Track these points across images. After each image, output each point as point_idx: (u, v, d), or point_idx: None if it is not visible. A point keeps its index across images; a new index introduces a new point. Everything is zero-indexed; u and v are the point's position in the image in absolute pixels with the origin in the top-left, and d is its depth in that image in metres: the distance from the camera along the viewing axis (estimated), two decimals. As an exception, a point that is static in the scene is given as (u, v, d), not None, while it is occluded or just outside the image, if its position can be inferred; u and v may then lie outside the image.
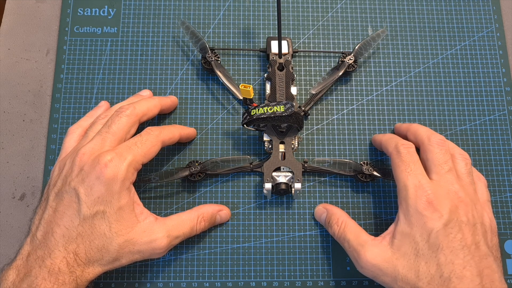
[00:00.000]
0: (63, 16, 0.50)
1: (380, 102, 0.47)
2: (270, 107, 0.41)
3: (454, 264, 0.33)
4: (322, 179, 0.45)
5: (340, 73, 0.46)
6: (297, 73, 0.48)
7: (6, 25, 0.49)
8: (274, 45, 0.46)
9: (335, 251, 0.43)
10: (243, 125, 0.43)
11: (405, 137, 0.42)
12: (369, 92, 0.48)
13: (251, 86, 0.40)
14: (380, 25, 0.50)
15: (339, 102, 0.47)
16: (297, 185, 0.41)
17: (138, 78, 0.48)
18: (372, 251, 0.36)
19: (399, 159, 0.38)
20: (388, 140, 0.41)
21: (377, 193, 0.44)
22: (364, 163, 0.43)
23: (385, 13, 0.50)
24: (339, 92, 0.48)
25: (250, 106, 0.42)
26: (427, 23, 0.50)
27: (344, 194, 0.44)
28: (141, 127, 0.41)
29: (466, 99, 0.48)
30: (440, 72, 0.49)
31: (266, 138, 0.43)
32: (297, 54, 0.49)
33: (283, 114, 0.41)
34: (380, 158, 0.45)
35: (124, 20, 0.49)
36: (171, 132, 0.42)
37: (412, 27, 0.50)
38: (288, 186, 0.42)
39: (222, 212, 0.43)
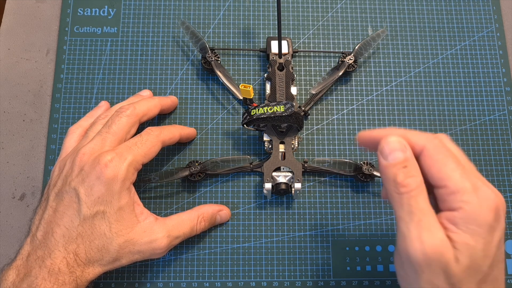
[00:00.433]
0: (63, 16, 0.50)
1: (380, 102, 0.47)
2: (270, 107, 0.41)
3: None
4: (322, 179, 0.45)
5: (340, 73, 0.46)
6: (297, 73, 0.48)
7: (6, 25, 0.49)
8: (274, 45, 0.46)
9: (335, 251, 0.43)
10: (243, 125, 0.43)
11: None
12: (369, 92, 0.48)
13: (251, 86, 0.40)
14: (380, 25, 0.50)
15: (339, 102, 0.47)
16: (297, 185, 0.41)
17: (138, 78, 0.48)
18: None
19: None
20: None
21: (377, 193, 0.44)
22: (364, 163, 0.43)
23: (385, 13, 0.50)
24: (339, 92, 0.48)
25: (250, 106, 0.42)
26: (427, 23, 0.50)
27: (344, 194, 0.44)
28: (141, 127, 0.41)
29: (466, 99, 0.48)
30: (440, 72, 0.49)
31: (266, 138, 0.43)
32: (297, 54, 0.49)
33: (283, 114, 0.41)
34: (380, 158, 0.45)
35: (124, 20, 0.49)
36: (171, 132, 0.41)
37: (412, 27, 0.50)
38: (288, 186, 0.42)
39: (222, 212, 0.43)
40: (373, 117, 0.47)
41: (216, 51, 0.47)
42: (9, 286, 0.33)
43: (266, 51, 0.47)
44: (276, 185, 0.42)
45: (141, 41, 0.49)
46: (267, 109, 0.41)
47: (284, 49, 0.46)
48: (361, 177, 0.43)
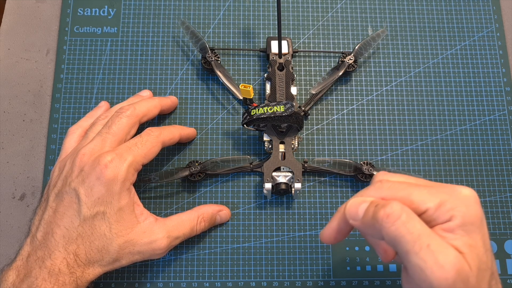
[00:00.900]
0: (63, 16, 0.49)
1: (380, 102, 0.47)
2: (270, 107, 0.41)
3: None
4: (322, 179, 0.45)
5: (340, 73, 0.46)
6: (297, 73, 0.48)
7: (6, 25, 0.49)
8: (274, 45, 0.46)
9: (335, 251, 0.43)
10: (243, 125, 0.43)
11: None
12: (369, 92, 0.48)
13: (251, 86, 0.40)
14: (380, 25, 0.50)
15: (339, 102, 0.47)
16: (297, 185, 0.41)
17: (138, 78, 0.48)
18: None
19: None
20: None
21: (377, 193, 0.44)
22: (364, 163, 0.43)
23: (385, 13, 0.50)
24: (339, 92, 0.48)
25: (250, 106, 0.42)
26: (427, 23, 0.50)
27: (344, 194, 0.44)
28: (141, 127, 0.41)
29: (466, 99, 0.48)
30: (440, 72, 0.49)
31: (266, 138, 0.43)
32: (297, 54, 0.49)
33: (283, 114, 0.41)
34: (380, 158, 0.45)
35: (124, 20, 0.49)
36: (171, 133, 0.41)
37: (412, 27, 0.50)
38: (288, 186, 0.42)
39: (222, 212, 0.43)
40: (373, 117, 0.47)
41: (216, 51, 0.47)
42: (9, 286, 0.33)
43: (266, 51, 0.46)
44: (276, 185, 0.42)
45: (141, 41, 0.49)
46: (267, 109, 0.41)
47: (284, 49, 0.46)
48: (361, 177, 0.43)
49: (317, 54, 0.49)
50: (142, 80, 0.47)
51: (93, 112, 0.44)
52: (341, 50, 0.48)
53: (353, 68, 0.46)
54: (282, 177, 0.42)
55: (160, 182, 0.43)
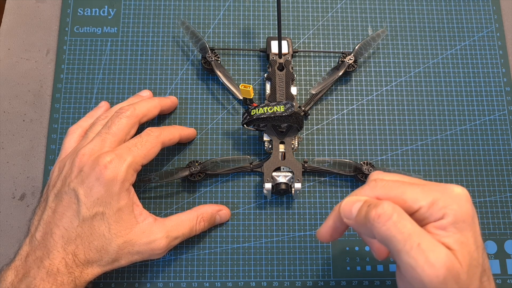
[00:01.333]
0: (63, 16, 0.49)
1: (380, 102, 0.47)
2: (270, 107, 0.41)
3: None
4: (322, 179, 0.45)
5: (340, 73, 0.46)
6: (297, 73, 0.48)
7: (6, 25, 0.49)
8: (274, 45, 0.46)
9: (335, 251, 0.43)
10: (243, 125, 0.43)
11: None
12: (369, 92, 0.48)
13: (251, 86, 0.40)
14: (380, 25, 0.50)
15: (339, 102, 0.47)
16: (297, 185, 0.41)
17: (138, 78, 0.48)
18: None
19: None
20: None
21: (377, 193, 0.44)
22: (364, 163, 0.43)
23: (385, 13, 0.50)
24: (339, 92, 0.48)
25: (250, 106, 0.42)
26: (427, 23, 0.50)
27: (344, 194, 0.44)
28: (141, 127, 0.41)
29: (466, 99, 0.48)
30: (440, 72, 0.48)
31: (266, 138, 0.43)
32: (297, 54, 0.49)
33: (283, 114, 0.41)
34: (380, 158, 0.45)
35: (124, 20, 0.49)
36: (171, 133, 0.41)
37: (412, 27, 0.50)
38: (288, 186, 0.42)
39: (221, 212, 0.43)
40: (373, 117, 0.47)
41: (216, 51, 0.47)
42: (7, 286, 0.33)
43: (266, 51, 0.46)
44: (276, 185, 0.42)
45: (141, 41, 0.49)
46: (267, 109, 0.41)
47: (284, 49, 0.46)
48: (361, 177, 0.43)
49: (317, 54, 0.49)
50: (142, 80, 0.47)
51: (93, 112, 0.44)
52: (341, 50, 0.48)
53: (353, 68, 0.46)
54: (282, 177, 0.42)
55: (160, 182, 0.43)
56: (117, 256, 0.36)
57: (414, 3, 0.51)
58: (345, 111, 0.47)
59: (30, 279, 0.33)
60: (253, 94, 0.41)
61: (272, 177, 0.42)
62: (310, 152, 0.46)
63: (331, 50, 0.49)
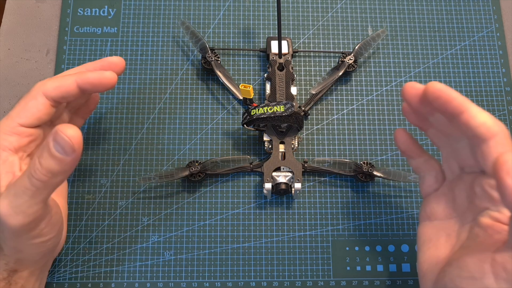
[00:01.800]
0: (63, 16, 0.50)
1: (380, 102, 0.47)
2: (270, 107, 0.41)
3: None
4: (322, 179, 0.45)
5: (340, 73, 0.46)
6: (297, 73, 0.48)
7: (6, 25, 0.49)
8: (274, 45, 0.46)
9: (335, 251, 0.43)
10: (243, 125, 0.43)
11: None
12: (369, 92, 0.48)
13: (251, 86, 0.40)
14: (380, 25, 0.50)
15: (339, 102, 0.47)
16: (297, 185, 0.41)
17: (138, 78, 0.48)
18: None
19: None
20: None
21: (377, 193, 0.44)
22: (364, 163, 0.43)
23: (385, 13, 0.50)
24: (339, 92, 0.48)
25: (250, 106, 0.43)
26: (427, 23, 0.50)
27: (344, 194, 0.44)
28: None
29: (466, 99, 0.48)
30: (440, 72, 0.49)
31: (266, 138, 0.43)
32: (297, 54, 0.49)
33: (283, 114, 0.41)
34: (380, 158, 0.45)
35: (124, 20, 0.49)
36: (59, 82, 0.33)
37: (412, 27, 0.50)
38: (288, 186, 0.42)
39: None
40: (373, 117, 0.47)
41: (216, 51, 0.47)
42: None
43: (266, 51, 0.47)
44: (276, 185, 0.42)
45: (141, 41, 0.49)
46: (267, 109, 0.41)
47: (284, 49, 0.46)
48: (361, 177, 0.43)
49: (317, 54, 0.49)
50: (142, 80, 0.47)
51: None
52: (341, 50, 0.48)
53: (353, 68, 0.46)
54: (282, 177, 0.42)
55: (160, 182, 0.43)
56: None
57: (414, 3, 0.51)
58: (345, 111, 0.47)
59: None
60: (253, 94, 0.41)
61: (272, 177, 0.42)
62: (310, 152, 0.46)
63: (331, 50, 0.49)
